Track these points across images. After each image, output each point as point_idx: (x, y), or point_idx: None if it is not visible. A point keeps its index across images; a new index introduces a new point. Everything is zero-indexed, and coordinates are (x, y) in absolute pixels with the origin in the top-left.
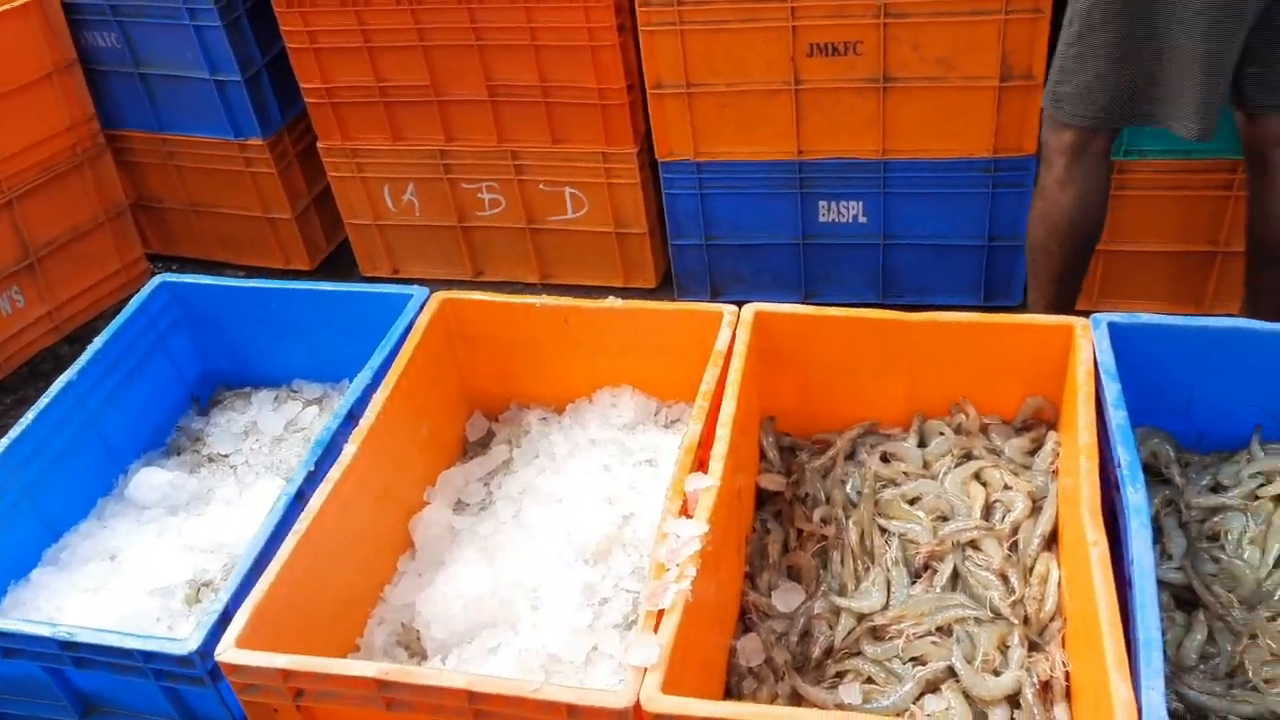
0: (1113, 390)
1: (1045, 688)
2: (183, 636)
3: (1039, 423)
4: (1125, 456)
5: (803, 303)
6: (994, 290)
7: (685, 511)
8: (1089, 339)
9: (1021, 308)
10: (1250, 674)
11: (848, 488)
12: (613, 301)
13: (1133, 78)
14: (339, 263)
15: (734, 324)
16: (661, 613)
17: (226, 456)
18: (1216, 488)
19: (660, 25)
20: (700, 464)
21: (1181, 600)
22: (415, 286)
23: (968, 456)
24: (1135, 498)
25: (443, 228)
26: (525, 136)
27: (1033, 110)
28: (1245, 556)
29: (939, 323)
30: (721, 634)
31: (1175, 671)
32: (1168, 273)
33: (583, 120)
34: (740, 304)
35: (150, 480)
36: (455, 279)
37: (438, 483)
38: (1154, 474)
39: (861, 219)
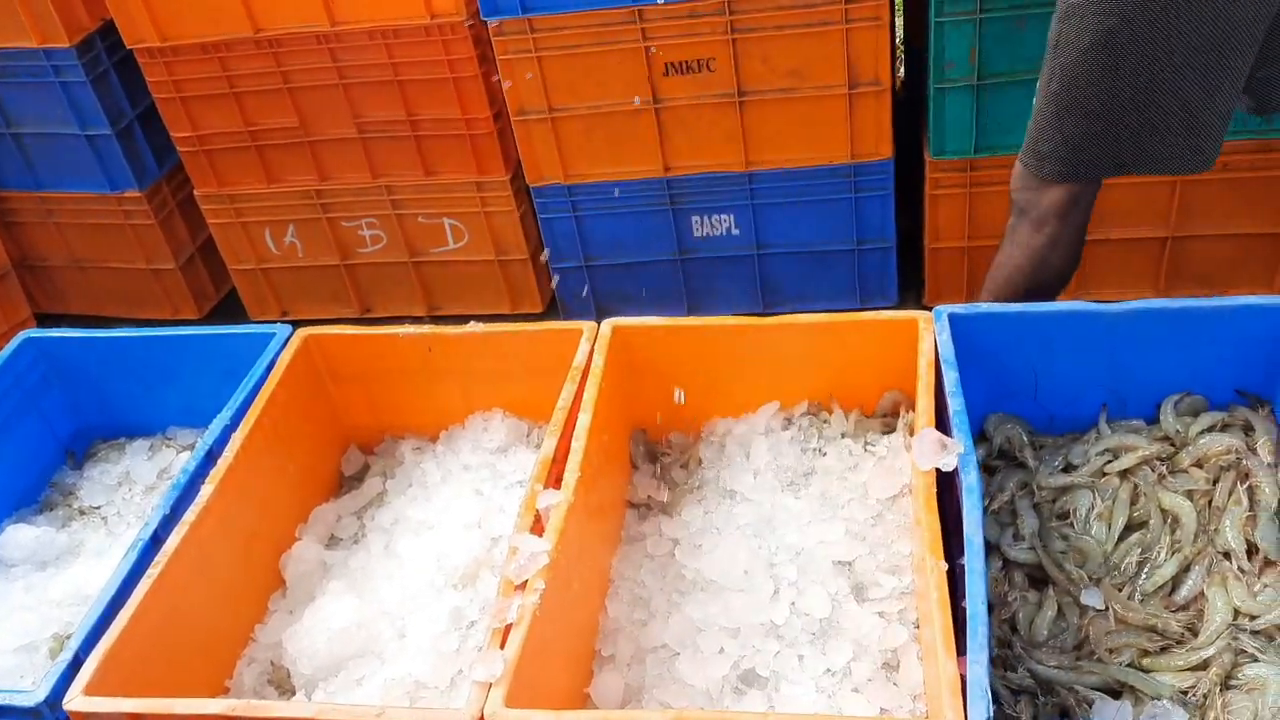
0: (951, 379)
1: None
2: (32, 688)
3: (896, 415)
4: (961, 442)
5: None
6: (869, 292)
7: (539, 528)
8: (932, 331)
9: (897, 307)
10: (1095, 646)
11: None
12: (474, 326)
13: (1118, 132)
14: (229, 310)
15: (593, 339)
16: (509, 628)
17: (98, 508)
18: (1067, 467)
19: (517, 54)
20: (556, 480)
21: (1034, 578)
22: (279, 325)
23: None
24: (969, 479)
25: (327, 267)
26: (398, 171)
27: (884, 115)
28: (1093, 532)
29: (793, 325)
30: (581, 647)
31: (1027, 648)
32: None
33: (453, 151)
34: None
35: (17, 538)
36: (344, 317)
37: (309, 519)
38: (1010, 458)
39: (734, 231)
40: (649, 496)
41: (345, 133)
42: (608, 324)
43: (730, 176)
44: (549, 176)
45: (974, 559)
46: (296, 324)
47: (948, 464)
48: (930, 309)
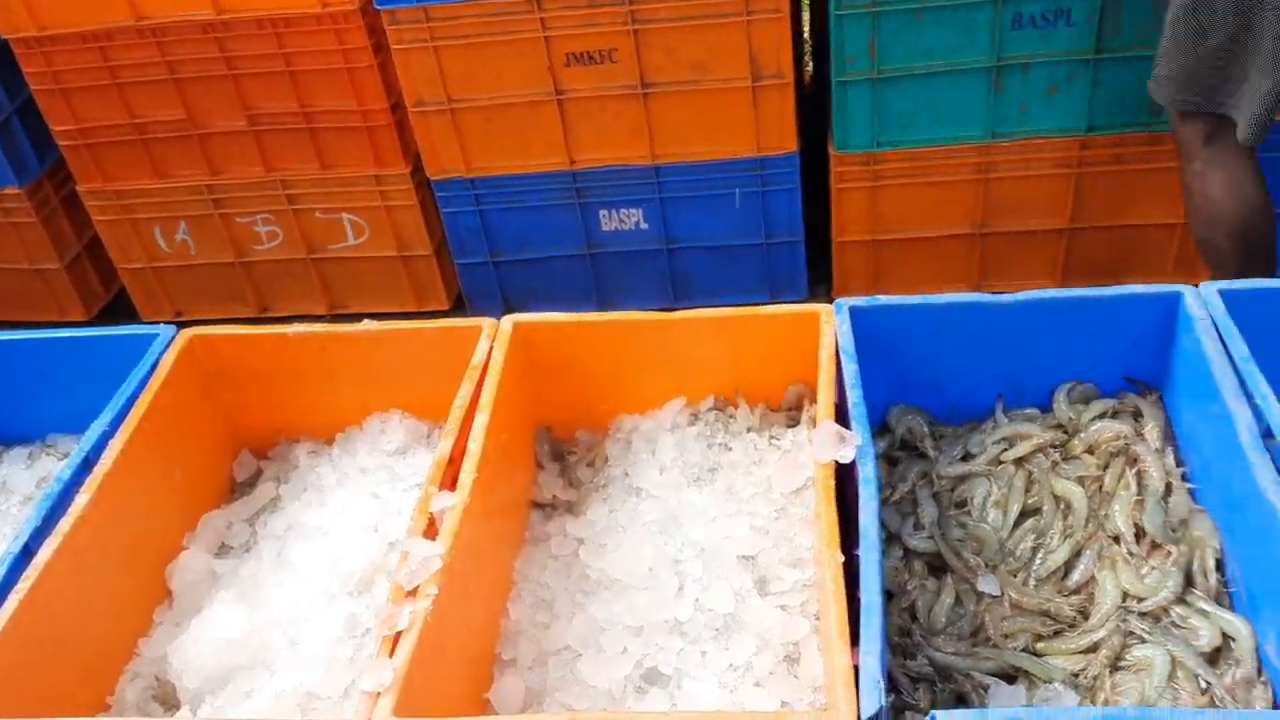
0: (850, 371)
1: None
2: None
3: (801, 409)
4: (859, 434)
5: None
6: (780, 287)
7: (433, 531)
8: (833, 324)
9: (808, 301)
10: (990, 631)
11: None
12: (368, 324)
13: (1211, 66)
14: (119, 310)
15: (493, 336)
16: (399, 635)
17: None
18: (966, 456)
19: (413, 43)
20: (452, 482)
21: (934, 567)
22: (162, 326)
23: None
24: (866, 471)
25: (222, 265)
26: (293, 164)
27: (788, 109)
28: (989, 520)
29: (697, 320)
30: (481, 651)
31: (926, 635)
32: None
33: (350, 144)
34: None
35: None
36: (241, 317)
37: (198, 527)
38: (911, 449)
39: (643, 225)
40: (554, 496)
41: (236, 125)
42: (508, 320)
43: (637, 170)
44: (450, 169)
45: (869, 550)
46: (190, 324)
47: (845, 456)
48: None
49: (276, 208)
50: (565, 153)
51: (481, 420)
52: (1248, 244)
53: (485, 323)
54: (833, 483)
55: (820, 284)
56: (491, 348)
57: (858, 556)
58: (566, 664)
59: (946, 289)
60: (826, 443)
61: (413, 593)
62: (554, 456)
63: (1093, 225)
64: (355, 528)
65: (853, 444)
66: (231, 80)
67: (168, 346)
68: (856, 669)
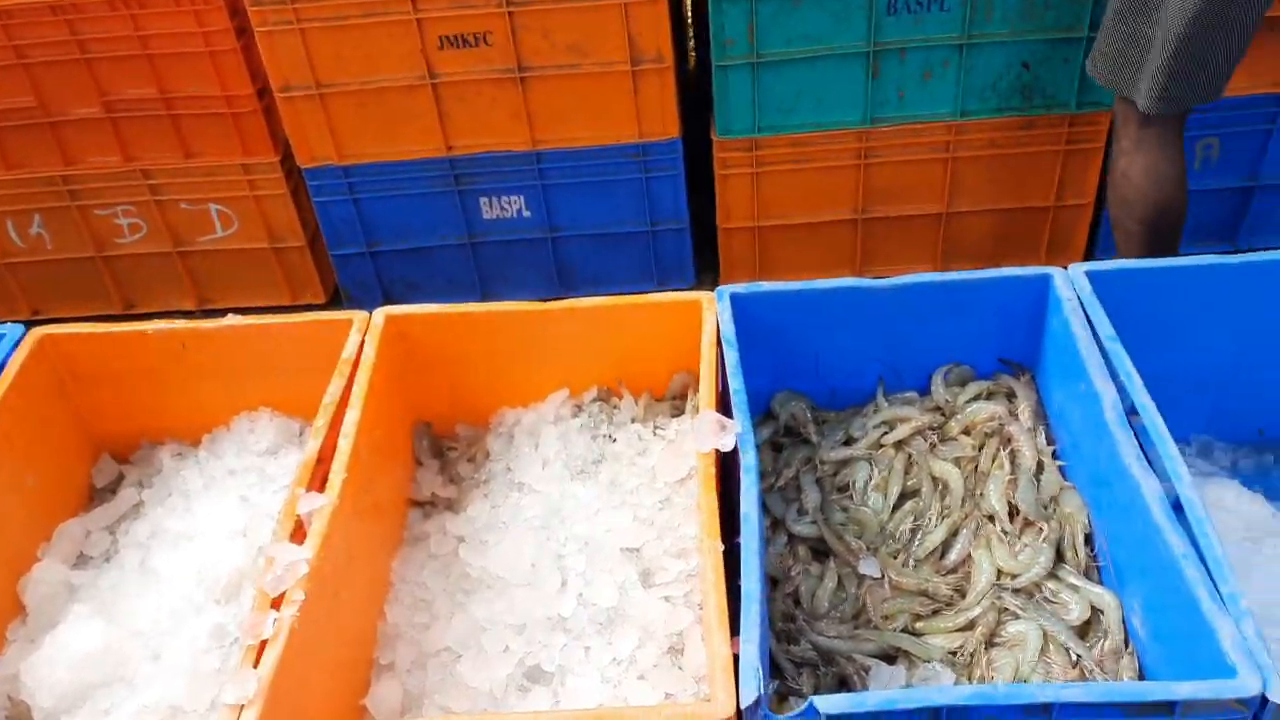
0: (731, 359)
1: None
2: None
3: (685, 398)
4: (740, 422)
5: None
6: (667, 274)
7: (301, 534)
8: (714, 311)
9: (695, 288)
10: (871, 613)
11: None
12: (232, 319)
13: (1125, 44)
14: None
15: (364, 330)
16: (264, 644)
17: None
18: (848, 441)
19: (277, 25)
20: (321, 483)
21: (817, 551)
22: (9, 325)
23: None
24: (747, 459)
25: (81, 260)
26: (154, 153)
27: (669, 94)
28: (870, 503)
29: (579, 309)
30: (356, 657)
31: (809, 620)
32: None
33: (214, 131)
34: None
35: None
36: (104, 314)
37: (53, 537)
38: (795, 434)
39: (525, 213)
40: (433, 493)
41: (91, 112)
42: (380, 313)
43: (517, 156)
44: (322, 157)
45: (750, 538)
46: (46, 323)
47: (726, 445)
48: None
49: (138, 199)
50: (442, 139)
51: (353, 417)
52: (1156, 231)
53: (356, 316)
54: (714, 472)
55: (708, 271)
56: (363, 341)
57: (740, 545)
58: (446, 666)
59: (831, 274)
60: (707, 432)
61: (279, 599)
62: (433, 453)
63: (969, 210)
64: (223, 533)
65: (733, 432)
66: (84, 64)
67: (15, 347)
68: (737, 658)
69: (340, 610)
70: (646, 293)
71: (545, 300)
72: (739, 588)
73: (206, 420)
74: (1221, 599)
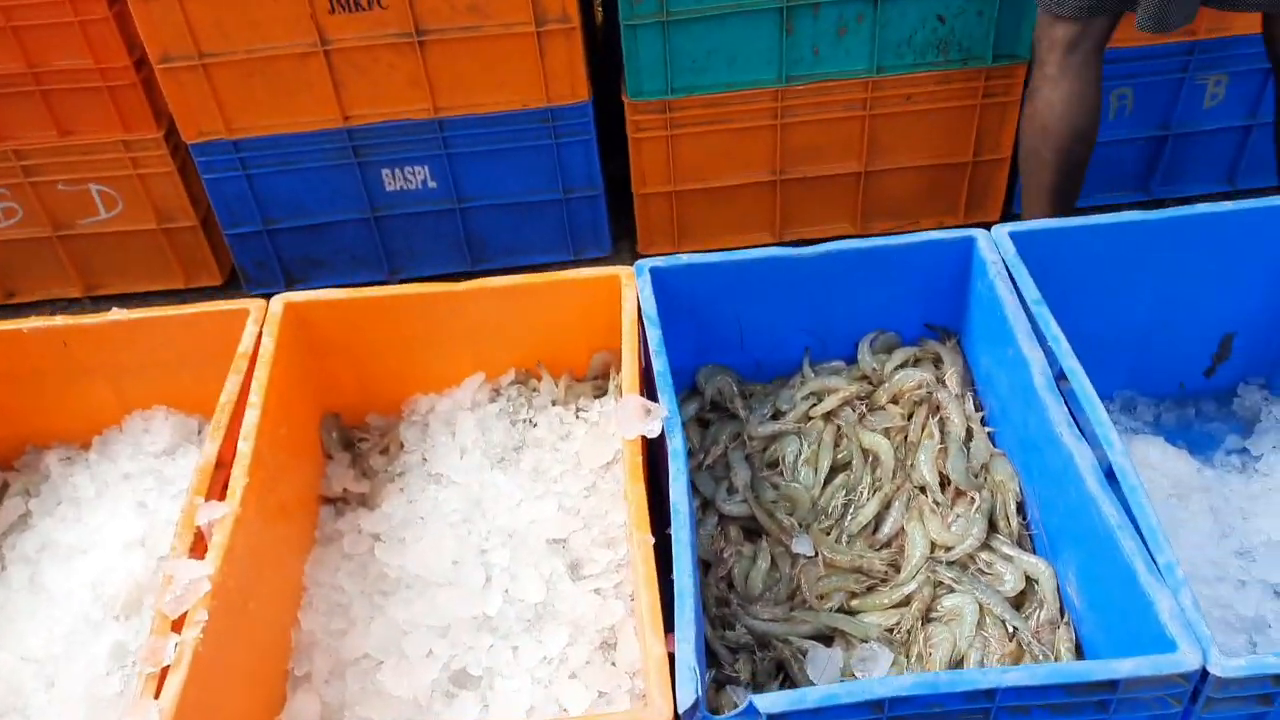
0: (654, 337)
1: None
2: None
3: (608, 377)
4: (665, 404)
5: (386, 281)
6: (582, 243)
7: (201, 547)
8: (634, 286)
9: (613, 256)
10: (806, 593)
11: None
12: (117, 313)
13: None
14: None
15: (261, 320)
16: (166, 671)
17: None
18: (776, 414)
19: None
20: (222, 489)
21: (749, 531)
22: None
23: None
24: (674, 444)
25: None
26: (25, 132)
27: (577, 55)
28: (801, 478)
29: (491, 289)
30: (270, 670)
31: (744, 603)
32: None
33: (90, 106)
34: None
35: None
36: None
37: None
38: (722, 410)
39: (431, 184)
40: (345, 489)
41: None
42: (278, 300)
43: (418, 124)
44: (209, 131)
45: (680, 530)
46: None
47: (652, 430)
48: (644, 257)
49: (10, 181)
50: (338, 108)
51: (253, 416)
52: (1069, 161)
53: (253, 305)
54: (640, 460)
55: (625, 238)
56: (261, 332)
57: (671, 535)
58: (367, 674)
59: (750, 238)
60: (631, 417)
61: (180, 621)
62: (343, 445)
63: (888, 168)
64: (119, 543)
65: (659, 416)
66: None
67: None
68: (673, 656)
69: (249, 623)
70: (562, 262)
71: (457, 274)
72: (670, 579)
73: (96, 421)
74: (1159, 569)
